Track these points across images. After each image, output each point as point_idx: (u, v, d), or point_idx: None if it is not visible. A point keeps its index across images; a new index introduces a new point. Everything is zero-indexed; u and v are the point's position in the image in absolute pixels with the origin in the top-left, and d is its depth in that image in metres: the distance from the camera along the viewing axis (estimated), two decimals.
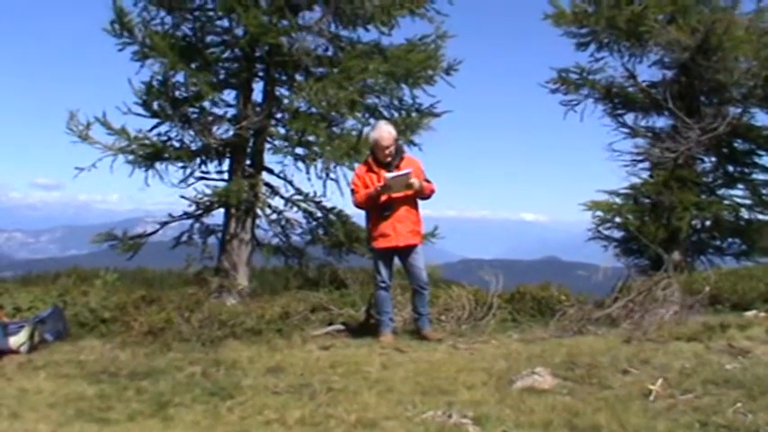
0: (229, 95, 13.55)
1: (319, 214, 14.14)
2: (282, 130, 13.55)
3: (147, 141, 12.88)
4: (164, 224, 13.87)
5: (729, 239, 17.01)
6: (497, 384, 5.85)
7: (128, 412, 5.42)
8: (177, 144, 13.15)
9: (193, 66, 12.70)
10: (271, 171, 13.81)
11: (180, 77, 12.79)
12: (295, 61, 12.73)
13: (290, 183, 13.87)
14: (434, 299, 9.39)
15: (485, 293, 9.60)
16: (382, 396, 5.58)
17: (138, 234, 13.95)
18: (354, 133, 13.17)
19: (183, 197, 13.42)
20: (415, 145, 13.65)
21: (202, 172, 13.54)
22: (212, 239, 13.95)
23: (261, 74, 13.60)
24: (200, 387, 6.07)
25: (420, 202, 8.45)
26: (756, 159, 16.78)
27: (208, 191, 13.24)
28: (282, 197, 14.02)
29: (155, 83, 12.75)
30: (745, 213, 16.70)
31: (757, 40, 14.87)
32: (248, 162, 13.53)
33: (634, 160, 16.84)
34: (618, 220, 16.70)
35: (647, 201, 16.54)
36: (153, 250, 14.36)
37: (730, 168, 16.97)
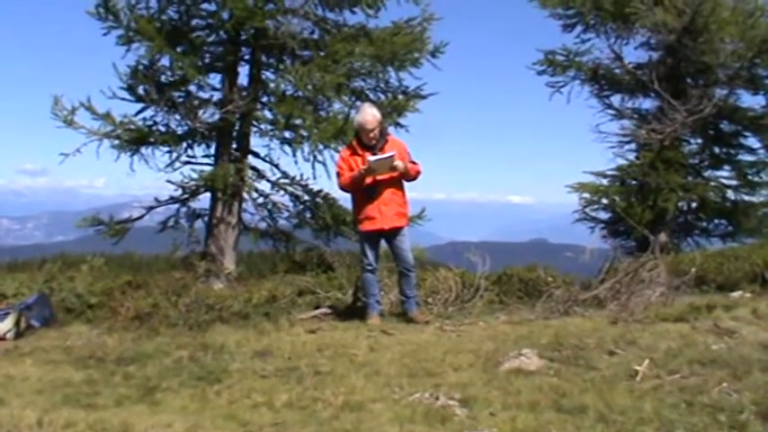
0: (215, 79, 13.51)
1: (306, 197, 14.12)
2: (269, 114, 13.52)
3: (132, 126, 12.80)
4: (150, 209, 13.80)
5: (715, 221, 17.09)
6: (484, 366, 5.87)
7: (115, 397, 5.41)
8: (163, 128, 13.09)
9: (179, 49, 12.62)
10: (257, 155, 13.78)
11: (165, 61, 12.73)
12: (281, 45, 12.66)
13: (277, 166, 13.87)
14: (421, 281, 9.39)
15: (472, 275, 9.61)
16: (369, 379, 5.59)
17: (124, 219, 13.91)
18: (341, 116, 13.14)
19: (169, 182, 13.35)
20: (401, 127, 13.66)
21: (188, 156, 13.48)
22: (199, 224, 13.91)
23: (247, 57, 13.53)
24: (188, 371, 6.07)
25: (407, 185, 8.44)
26: (742, 141, 16.86)
27: (194, 175, 13.17)
28: (269, 181, 14.00)
29: (140, 67, 12.67)
30: (731, 195, 16.77)
31: (743, 22, 14.87)
32: (234, 146, 13.47)
33: (620, 142, 16.88)
34: (604, 201, 16.75)
35: (633, 182, 16.58)
36: (140, 235, 14.32)
37: (716, 150, 17.03)
